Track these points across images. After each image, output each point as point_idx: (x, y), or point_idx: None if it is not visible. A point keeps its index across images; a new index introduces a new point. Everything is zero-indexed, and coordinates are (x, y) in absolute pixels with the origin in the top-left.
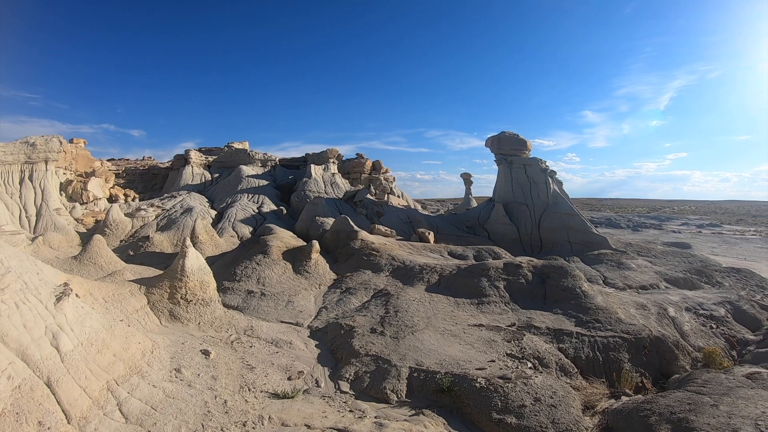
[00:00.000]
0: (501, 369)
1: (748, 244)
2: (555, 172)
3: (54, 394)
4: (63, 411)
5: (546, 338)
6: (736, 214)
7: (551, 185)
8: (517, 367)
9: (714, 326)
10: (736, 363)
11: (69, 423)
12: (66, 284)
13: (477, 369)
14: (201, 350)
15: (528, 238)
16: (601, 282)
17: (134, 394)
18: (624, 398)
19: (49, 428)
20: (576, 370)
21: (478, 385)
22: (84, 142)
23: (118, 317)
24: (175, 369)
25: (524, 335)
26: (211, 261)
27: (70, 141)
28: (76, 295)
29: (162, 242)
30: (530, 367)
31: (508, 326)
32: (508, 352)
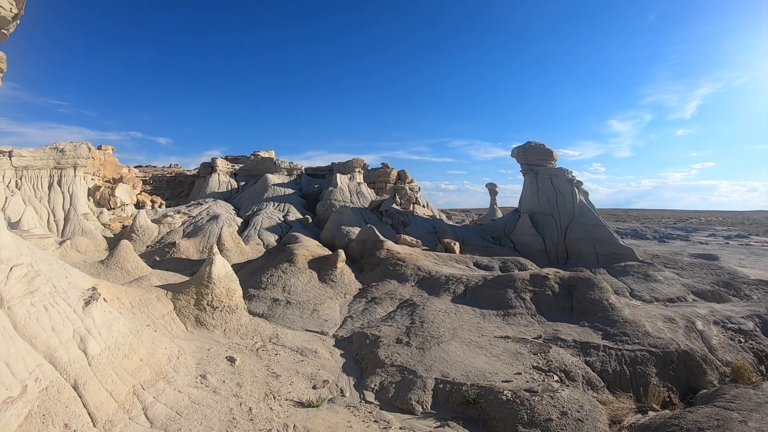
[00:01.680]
0: (527, 382)
1: None
2: (581, 183)
3: (80, 397)
4: (89, 414)
5: (572, 351)
6: (765, 225)
7: (577, 196)
8: (543, 380)
9: (742, 340)
10: (764, 378)
11: (95, 426)
12: (94, 288)
13: (503, 381)
14: (226, 357)
15: (554, 249)
16: (628, 294)
17: (160, 399)
18: (651, 413)
19: (75, 431)
20: (603, 383)
21: (504, 397)
22: (112, 148)
23: (144, 322)
24: (200, 375)
25: (551, 348)
26: (236, 268)
27: (99, 147)
28: (104, 300)
29: (188, 248)
30: (557, 381)
31: (535, 338)
32: (535, 364)
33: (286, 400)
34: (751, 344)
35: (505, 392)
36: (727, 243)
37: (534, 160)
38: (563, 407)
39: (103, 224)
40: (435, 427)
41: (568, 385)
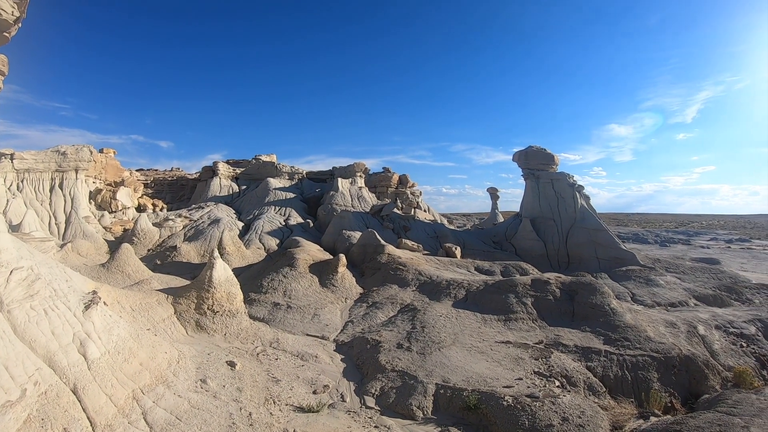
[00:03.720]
0: (528, 387)
1: None
2: (583, 187)
3: (80, 401)
4: (88, 418)
5: (574, 356)
6: (766, 229)
7: (579, 200)
8: (544, 386)
9: (744, 345)
10: (767, 383)
11: (94, 430)
12: (94, 292)
13: (504, 387)
14: (227, 361)
15: (555, 254)
16: (630, 299)
17: (159, 403)
18: (653, 419)
19: None
20: (604, 389)
21: (505, 403)
22: (114, 152)
23: (145, 326)
24: (200, 380)
25: (552, 353)
26: (237, 272)
27: (100, 151)
28: (104, 304)
29: (189, 252)
30: (558, 386)
31: (536, 344)
32: (536, 370)
33: (287, 405)
34: (753, 349)
35: (506, 398)
36: (729, 247)
37: (535, 164)
38: (564, 413)
39: (105, 227)
40: None
41: (569, 391)
